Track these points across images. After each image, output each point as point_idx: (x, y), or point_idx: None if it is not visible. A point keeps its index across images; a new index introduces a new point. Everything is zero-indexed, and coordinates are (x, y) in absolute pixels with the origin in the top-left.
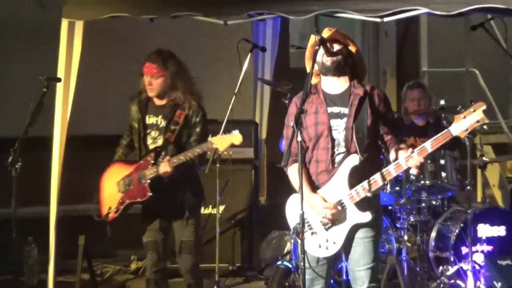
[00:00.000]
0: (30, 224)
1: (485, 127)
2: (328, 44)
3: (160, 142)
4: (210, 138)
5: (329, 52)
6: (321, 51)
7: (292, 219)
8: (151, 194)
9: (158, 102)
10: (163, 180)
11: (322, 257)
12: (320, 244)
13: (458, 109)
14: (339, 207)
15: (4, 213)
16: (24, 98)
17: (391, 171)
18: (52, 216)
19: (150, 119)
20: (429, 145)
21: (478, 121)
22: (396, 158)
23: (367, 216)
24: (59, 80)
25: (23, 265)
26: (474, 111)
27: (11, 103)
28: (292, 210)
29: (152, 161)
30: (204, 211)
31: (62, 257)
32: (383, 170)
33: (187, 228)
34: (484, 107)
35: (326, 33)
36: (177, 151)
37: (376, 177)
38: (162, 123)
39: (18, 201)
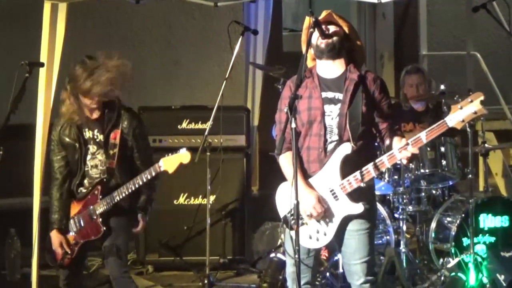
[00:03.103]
0: (13, 215)
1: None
2: (323, 26)
3: (99, 157)
4: (159, 162)
5: (324, 34)
6: (316, 34)
7: (282, 208)
8: (104, 229)
9: (91, 116)
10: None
11: (313, 249)
12: (311, 235)
13: (455, 98)
14: (331, 198)
15: None
16: (5, 84)
17: (385, 161)
18: (36, 207)
19: (86, 134)
20: (424, 136)
21: (475, 112)
22: (390, 147)
23: (359, 208)
24: (42, 65)
25: (5, 259)
26: (472, 101)
27: None
28: (282, 199)
29: (100, 196)
30: (194, 201)
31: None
32: (377, 161)
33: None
34: (482, 97)
35: (321, 16)
36: (125, 174)
37: (369, 167)
38: (99, 137)
39: (0, 191)
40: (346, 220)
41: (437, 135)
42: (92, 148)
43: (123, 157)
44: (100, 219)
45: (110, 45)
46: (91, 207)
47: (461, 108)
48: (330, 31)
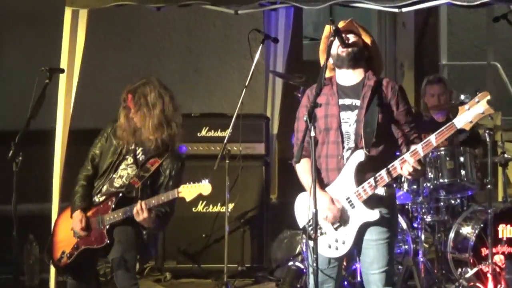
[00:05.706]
0: (31, 221)
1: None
2: (343, 35)
3: (129, 171)
4: (179, 187)
5: (344, 44)
6: (336, 42)
7: (301, 218)
8: (108, 241)
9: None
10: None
11: (333, 258)
12: (330, 244)
13: (461, 98)
14: (347, 206)
15: (4, 210)
16: (25, 89)
17: (397, 167)
18: (54, 213)
19: (131, 145)
20: (433, 139)
21: (483, 112)
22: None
23: (375, 214)
24: (62, 71)
25: (24, 264)
26: (478, 102)
27: (12, 95)
28: (301, 209)
29: (113, 206)
30: (212, 209)
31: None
32: (389, 166)
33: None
34: (489, 97)
35: (341, 25)
36: (141, 198)
37: (382, 173)
38: (141, 156)
39: (19, 197)
40: (365, 229)
41: (446, 138)
42: (129, 159)
43: (147, 184)
44: (107, 228)
45: (130, 51)
46: (101, 216)
47: (468, 109)
48: (350, 41)
